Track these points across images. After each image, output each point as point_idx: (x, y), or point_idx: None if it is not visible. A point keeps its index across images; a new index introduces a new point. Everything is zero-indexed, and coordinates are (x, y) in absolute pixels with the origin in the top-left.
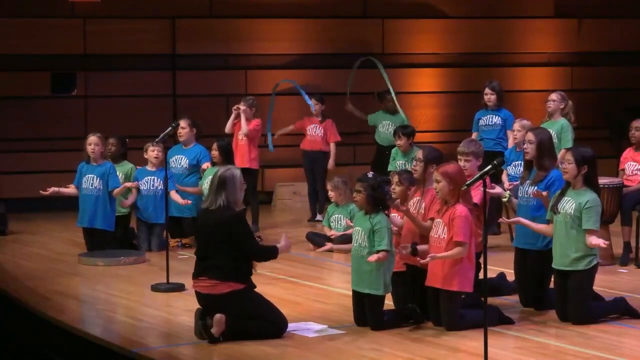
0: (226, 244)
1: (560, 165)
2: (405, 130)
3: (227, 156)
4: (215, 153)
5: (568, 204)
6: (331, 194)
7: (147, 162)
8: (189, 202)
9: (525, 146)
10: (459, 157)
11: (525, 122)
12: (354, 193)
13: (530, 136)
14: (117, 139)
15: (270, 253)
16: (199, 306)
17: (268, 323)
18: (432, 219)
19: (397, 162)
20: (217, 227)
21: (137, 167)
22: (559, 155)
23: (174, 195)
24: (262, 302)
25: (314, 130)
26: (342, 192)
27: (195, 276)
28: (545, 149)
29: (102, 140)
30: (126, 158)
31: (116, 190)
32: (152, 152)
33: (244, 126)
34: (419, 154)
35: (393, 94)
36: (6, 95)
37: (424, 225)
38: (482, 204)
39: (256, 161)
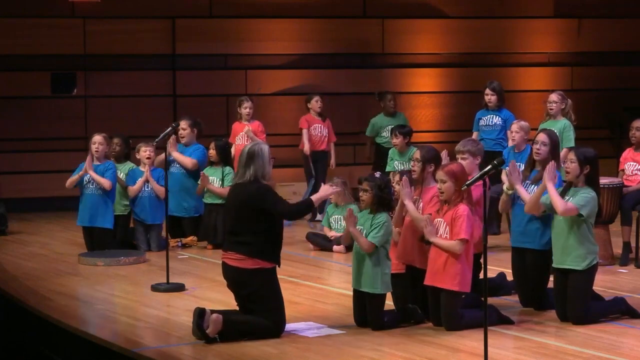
0: (255, 219)
1: (562, 165)
2: (403, 130)
3: (224, 156)
4: (212, 152)
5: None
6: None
7: (140, 163)
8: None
9: (537, 147)
10: (456, 155)
11: (523, 123)
12: (360, 192)
13: (544, 137)
14: (122, 138)
15: (304, 207)
16: (198, 306)
17: (268, 322)
18: (430, 216)
19: (394, 163)
20: (245, 200)
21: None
22: (562, 155)
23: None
24: (278, 295)
25: (319, 131)
26: (342, 192)
27: (225, 250)
28: (557, 150)
29: (107, 140)
30: (129, 158)
31: (108, 184)
32: (144, 152)
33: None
34: (417, 154)
35: None
36: (6, 95)
37: (420, 218)
38: (481, 203)
39: None
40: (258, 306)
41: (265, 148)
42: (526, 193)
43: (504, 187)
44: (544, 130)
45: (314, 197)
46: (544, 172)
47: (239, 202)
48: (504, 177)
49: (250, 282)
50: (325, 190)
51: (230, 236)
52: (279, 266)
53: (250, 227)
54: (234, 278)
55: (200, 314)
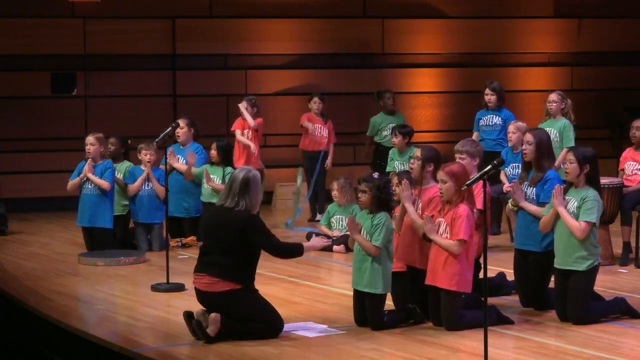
0: (235, 244)
1: (562, 166)
2: (403, 130)
3: (225, 156)
4: (213, 153)
5: (570, 204)
6: (336, 193)
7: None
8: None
9: (524, 147)
10: (454, 155)
11: (520, 124)
12: (359, 193)
13: (529, 137)
14: (117, 138)
15: (296, 250)
16: (196, 307)
17: (264, 324)
18: (432, 216)
19: (394, 163)
20: (231, 226)
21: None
22: (561, 155)
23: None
24: (259, 303)
25: (319, 131)
26: (347, 193)
27: (197, 271)
28: (544, 149)
29: (100, 141)
30: (128, 157)
31: (107, 185)
32: (145, 155)
33: (251, 120)
34: (417, 152)
35: None
36: (6, 95)
37: (420, 224)
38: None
39: (259, 160)
40: (243, 318)
41: (258, 176)
42: (533, 207)
43: (509, 203)
44: (529, 129)
45: (305, 245)
46: (553, 198)
47: (225, 227)
48: (503, 177)
49: (223, 303)
50: (318, 241)
51: (203, 257)
52: (251, 290)
53: (230, 249)
54: (207, 303)
55: (189, 315)
